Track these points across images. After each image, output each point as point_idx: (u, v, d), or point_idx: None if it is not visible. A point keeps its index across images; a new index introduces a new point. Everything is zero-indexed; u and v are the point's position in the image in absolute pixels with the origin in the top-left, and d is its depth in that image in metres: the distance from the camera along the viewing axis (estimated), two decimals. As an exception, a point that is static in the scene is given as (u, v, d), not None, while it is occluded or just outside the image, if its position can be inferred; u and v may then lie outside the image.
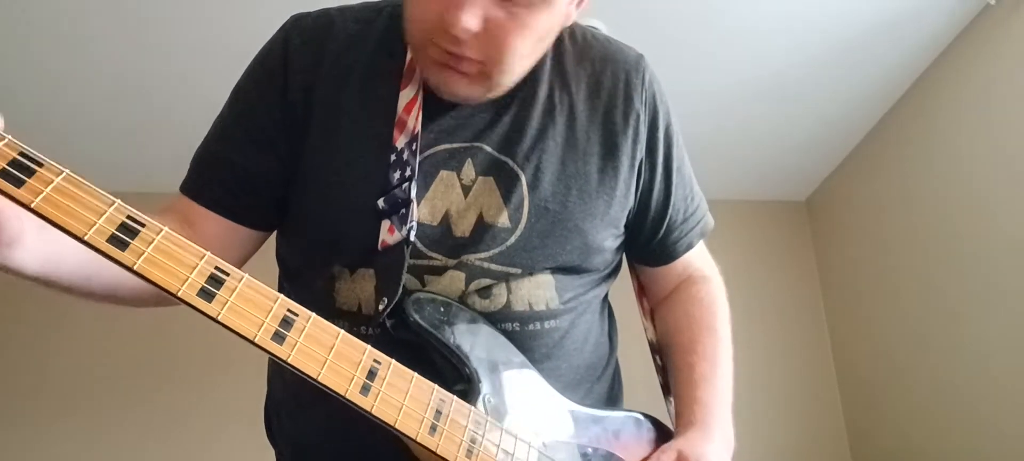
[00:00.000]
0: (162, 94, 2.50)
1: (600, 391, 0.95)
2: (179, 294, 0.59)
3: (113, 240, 0.57)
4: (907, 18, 2.39)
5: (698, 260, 1.06)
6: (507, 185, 0.86)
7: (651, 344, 1.07)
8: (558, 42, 0.94)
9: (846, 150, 3.11)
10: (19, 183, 0.55)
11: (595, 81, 0.93)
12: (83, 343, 2.87)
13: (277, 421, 0.95)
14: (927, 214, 2.67)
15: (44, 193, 0.55)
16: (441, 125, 0.87)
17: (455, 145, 0.87)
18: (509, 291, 0.85)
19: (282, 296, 0.65)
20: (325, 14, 0.92)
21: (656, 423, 0.94)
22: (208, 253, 0.62)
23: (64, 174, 0.57)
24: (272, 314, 0.63)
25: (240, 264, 0.73)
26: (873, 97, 2.80)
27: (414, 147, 0.84)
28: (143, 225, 0.59)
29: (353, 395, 0.65)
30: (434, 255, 0.83)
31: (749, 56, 2.52)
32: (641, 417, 0.93)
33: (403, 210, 0.81)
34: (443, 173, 0.85)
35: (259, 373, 0.98)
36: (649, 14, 2.28)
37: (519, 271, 0.85)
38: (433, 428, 0.70)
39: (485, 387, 0.78)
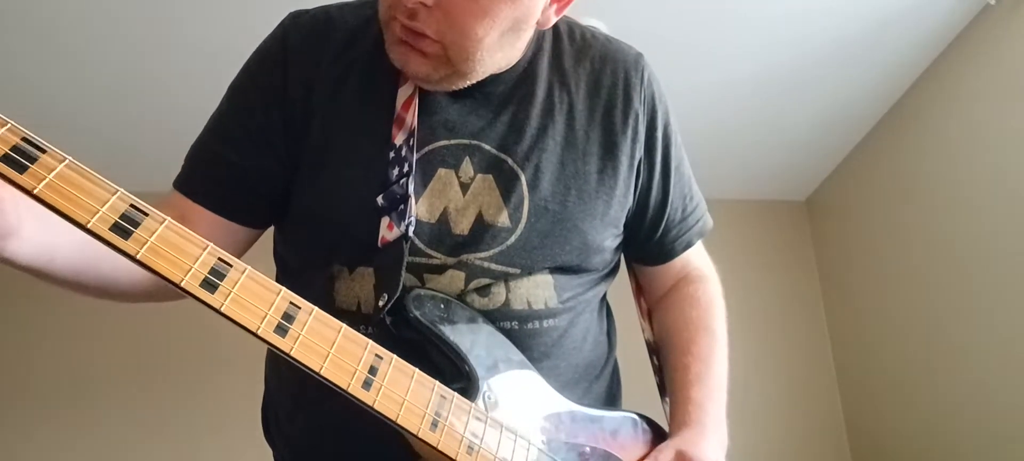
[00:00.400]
0: (161, 94, 2.49)
1: (599, 390, 0.95)
2: (182, 284, 0.59)
3: (116, 229, 0.57)
4: (907, 18, 2.39)
5: (696, 260, 1.06)
6: (506, 184, 0.86)
7: (648, 345, 1.07)
8: (557, 41, 0.94)
9: (846, 150, 3.11)
10: (22, 169, 0.55)
11: (594, 80, 0.93)
12: (81, 342, 2.86)
13: (274, 420, 0.95)
14: (927, 214, 2.67)
15: (47, 179, 0.55)
16: (438, 122, 0.87)
17: (453, 142, 0.86)
18: (508, 290, 0.85)
19: (285, 289, 0.65)
20: (323, 11, 0.92)
21: (653, 424, 0.94)
22: (211, 244, 0.62)
23: (67, 161, 0.57)
24: (274, 307, 0.63)
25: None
26: (873, 97, 2.80)
27: (412, 143, 0.83)
28: (146, 214, 0.59)
29: (355, 390, 0.65)
30: (433, 253, 0.83)
31: (749, 56, 2.52)
32: (638, 418, 0.93)
33: (401, 206, 0.81)
34: (441, 171, 0.85)
35: (257, 372, 0.98)
36: (649, 13, 2.28)
37: (518, 271, 0.85)
38: (434, 424, 0.70)
39: (484, 385, 0.78)
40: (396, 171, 0.83)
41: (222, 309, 0.60)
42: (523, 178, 0.86)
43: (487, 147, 0.87)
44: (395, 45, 0.81)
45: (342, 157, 0.85)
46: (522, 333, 0.85)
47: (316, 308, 0.66)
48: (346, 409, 0.66)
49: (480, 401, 0.76)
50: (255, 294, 0.62)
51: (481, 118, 0.88)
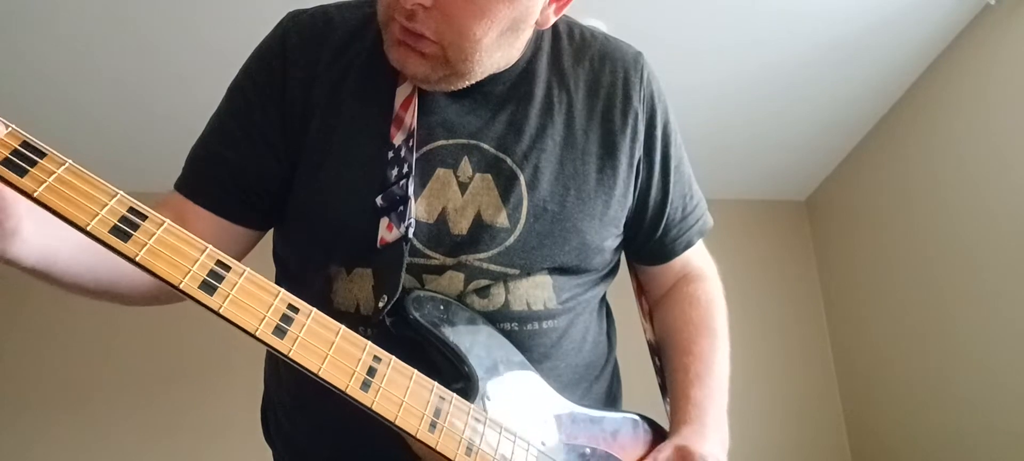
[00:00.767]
0: (160, 95, 2.49)
1: (599, 391, 0.95)
2: (181, 286, 0.59)
3: (115, 231, 0.57)
4: (907, 18, 2.39)
5: (697, 259, 1.05)
6: (505, 184, 0.85)
7: (650, 345, 1.07)
8: (556, 41, 0.94)
9: (846, 150, 3.11)
10: (22, 172, 0.55)
11: (593, 80, 0.93)
12: (83, 345, 2.87)
13: (274, 421, 0.95)
14: (927, 214, 2.67)
15: (47, 182, 0.56)
16: (437, 122, 0.87)
17: (451, 142, 0.86)
18: (507, 291, 0.85)
19: (283, 291, 0.65)
20: (322, 11, 0.92)
21: (653, 424, 0.94)
22: (210, 246, 0.62)
23: (67, 165, 0.57)
24: (273, 308, 0.63)
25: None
26: (873, 97, 2.80)
27: (411, 144, 0.83)
28: (145, 217, 0.60)
29: (354, 391, 0.65)
30: (432, 253, 0.83)
31: (749, 56, 2.52)
32: (638, 418, 0.93)
33: (401, 207, 0.81)
34: (440, 171, 0.85)
35: (257, 373, 0.98)
36: (649, 13, 2.28)
37: (517, 272, 0.85)
38: (433, 425, 0.70)
39: (484, 386, 0.78)
40: (395, 171, 0.83)
41: (220, 311, 0.60)
42: (522, 178, 0.86)
43: (486, 147, 0.86)
44: (394, 46, 0.81)
45: (341, 157, 0.85)
46: (522, 334, 0.85)
47: (314, 310, 0.66)
48: (345, 410, 0.66)
49: (479, 402, 0.76)
50: (253, 296, 0.62)
51: (480, 118, 0.88)
